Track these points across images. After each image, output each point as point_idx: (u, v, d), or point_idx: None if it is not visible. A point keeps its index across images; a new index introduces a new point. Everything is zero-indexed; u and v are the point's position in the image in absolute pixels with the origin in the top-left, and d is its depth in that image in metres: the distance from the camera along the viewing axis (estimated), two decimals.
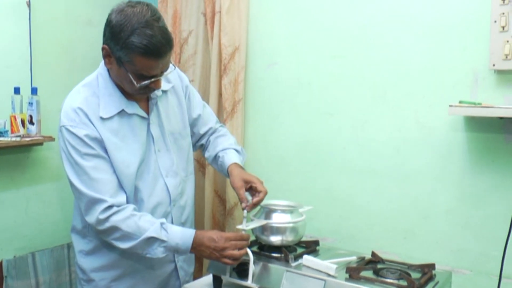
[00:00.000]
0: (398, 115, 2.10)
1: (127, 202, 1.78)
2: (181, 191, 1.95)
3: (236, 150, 2.04)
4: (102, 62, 1.78)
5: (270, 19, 2.44)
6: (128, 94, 1.79)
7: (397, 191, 2.12)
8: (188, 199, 2.01)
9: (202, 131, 2.08)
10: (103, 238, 1.80)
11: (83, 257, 1.91)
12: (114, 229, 1.73)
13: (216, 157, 2.04)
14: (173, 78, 1.94)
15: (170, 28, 2.67)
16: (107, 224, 1.72)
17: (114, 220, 1.72)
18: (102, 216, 1.72)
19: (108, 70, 1.78)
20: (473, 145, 1.95)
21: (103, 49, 1.71)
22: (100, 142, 1.74)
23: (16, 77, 2.55)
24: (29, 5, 2.59)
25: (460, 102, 1.85)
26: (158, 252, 1.75)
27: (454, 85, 1.97)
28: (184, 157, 1.98)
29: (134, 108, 1.80)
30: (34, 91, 2.53)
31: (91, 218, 1.74)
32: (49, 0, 2.69)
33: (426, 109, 2.03)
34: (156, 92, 1.82)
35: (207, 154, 2.11)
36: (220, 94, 2.53)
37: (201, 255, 1.80)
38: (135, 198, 1.83)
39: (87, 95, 1.77)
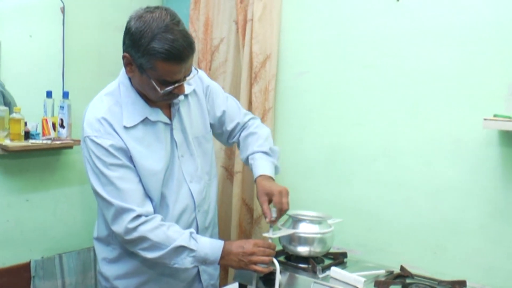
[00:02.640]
0: (430, 127, 2.07)
1: (154, 210, 1.77)
2: (205, 196, 1.93)
3: (265, 153, 1.97)
4: (123, 70, 1.75)
5: (302, 27, 2.44)
6: (151, 101, 1.76)
7: (428, 205, 2.08)
8: (211, 202, 1.98)
9: (229, 128, 2.02)
10: (129, 248, 1.78)
11: (106, 264, 1.90)
12: (142, 239, 1.71)
13: (248, 163, 1.99)
14: (193, 80, 1.88)
15: (201, 36, 2.70)
16: (135, 234, 1.70)
17: (143, 230, 1.70)
18: (131, 226, 1.69)
19: (130, 78, 1.75)
20: (507, 160, 1.90)
21: (124, 57, 1.66)
22: (126, 151, 1.72)
23: (49, 81, 2.59)
24: (63, 11, 2.63)
25: (495, 115, 1.82)
26: (186, 262, 1.73)
27: (488, 98, 1.92)
28: (208, 160, 1.95)
29: (157, 115, 1.78)
30: (65, 95, 2.56)
31: (119, 228, 1.72)
32: (83, 6, 2.73)
33: (459, 122, 1.99)
34: (179, 97, 1.79)
35: (241, 157, 2.06)
36: (250, 102, 2.52)
37: (230, 264, 1.78)
38: (161, 204, 1.81)
39: (110, 105, 1.74)
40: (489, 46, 1.92)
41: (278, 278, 1.71)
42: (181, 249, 1.71)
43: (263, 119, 2.45)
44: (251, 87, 2.51)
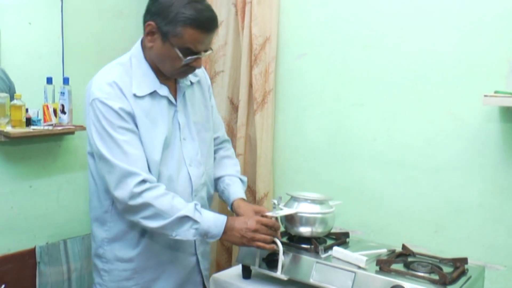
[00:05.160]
0: (430, 106, 2.07)
1: None
2: (204, 182, 1.91)
3: (241, 180, 2.03)
4: (137, 43, 1.79)
5: (301, 9, 2.43)
6: (161, 77, 1.78)
7: (428, 184, 2.09)
8: (209, 192, 1.97)
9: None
10: (130, 217, 1.73)
11: (106, 244, 1.86)
12: (146, 205, 1.67)
13: (219, 181, 2.01)
14: (200, 72, 1.93)
15: None
16: (140, 200, 1.66)
17: (148, 197, 1.67)
18: (137, 190, 1.65)
19: (143, 52, 1.77)
20: (508, 137, 1.90)
21: (147, 25, 1.69)
22: (133, 117, 1.72)
23: (49, 68, 2.58)
24: None
25: (495, 92, 1.82)
26: (189, 234, 1.69)
27: (488, 75, 1.92)
28: (205, 150, 1.94)
29: (165, 92, 1.79)
30: (66, 81, 2.56)
31: (123, 192, 1.67)
32: None
33: (459, 99, 2.00)
34: (184, 81, 1.84)
35: (214, 171, 2.05)
36: (250, 85, 2.52)
37: (232, 240, 1.75)
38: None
39: (121, 73, 1.75)
40: (488, 23, 1.92)
41: (281, 259, 1.72)
42: (185, 219, 1.68)
43: (263, 101, 2.47)
44: (251, 69, 2.51)
